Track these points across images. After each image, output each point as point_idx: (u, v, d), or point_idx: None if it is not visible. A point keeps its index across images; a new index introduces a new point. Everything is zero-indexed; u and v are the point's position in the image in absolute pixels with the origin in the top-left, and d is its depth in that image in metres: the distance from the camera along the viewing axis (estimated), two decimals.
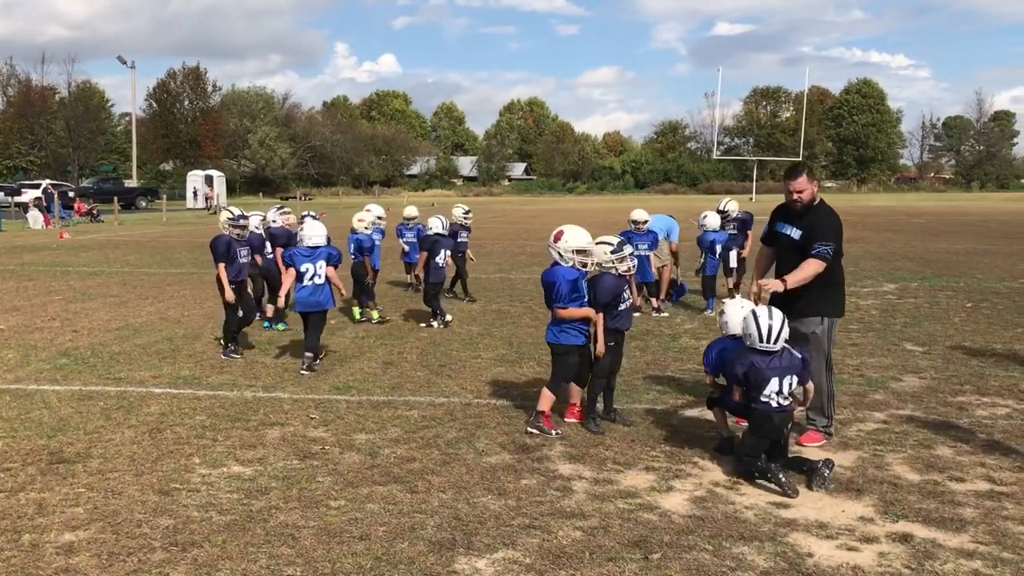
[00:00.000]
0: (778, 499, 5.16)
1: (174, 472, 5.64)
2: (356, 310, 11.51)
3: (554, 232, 6.52)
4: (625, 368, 8.24)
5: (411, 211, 14.06)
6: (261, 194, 61.37)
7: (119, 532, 4.68)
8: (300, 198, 64.12)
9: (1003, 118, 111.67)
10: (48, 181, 50.03)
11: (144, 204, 52.96)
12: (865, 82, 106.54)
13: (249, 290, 10.08)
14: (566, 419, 6.71)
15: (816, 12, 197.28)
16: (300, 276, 8.65)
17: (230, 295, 9.15)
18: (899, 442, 6.21)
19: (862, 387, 7.81)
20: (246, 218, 9.91)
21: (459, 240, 13.25)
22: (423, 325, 10.92)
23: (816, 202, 6.18)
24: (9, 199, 44.48)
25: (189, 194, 57.50)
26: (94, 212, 38.97)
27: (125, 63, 63.49)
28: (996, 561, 4.30)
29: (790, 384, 5.49)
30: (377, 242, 12.43)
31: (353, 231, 11.71)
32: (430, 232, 11.33)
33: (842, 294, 6.36)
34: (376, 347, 9.71)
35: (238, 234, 9.59)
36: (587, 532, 4.67)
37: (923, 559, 4.33)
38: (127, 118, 76.87)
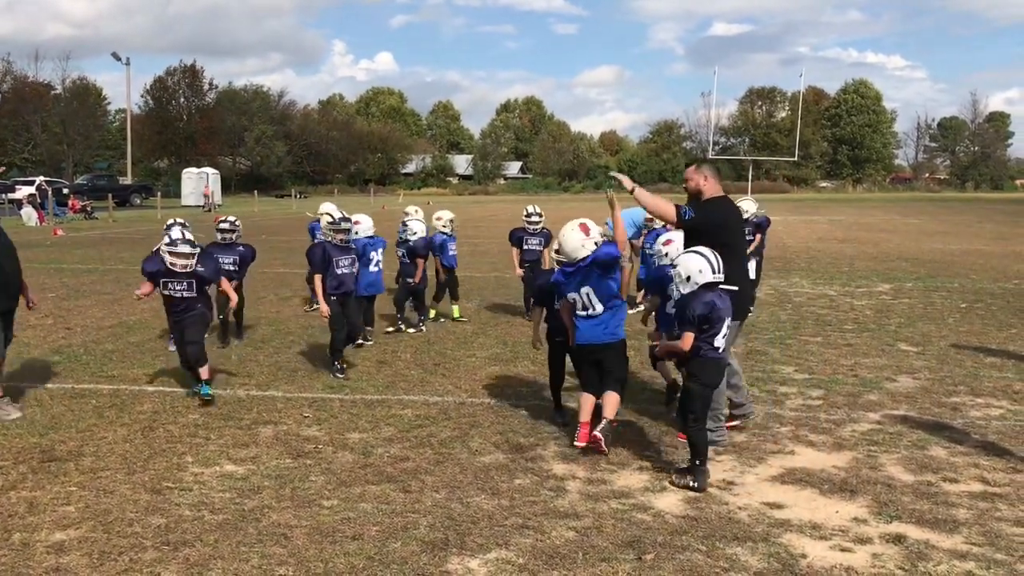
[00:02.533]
0: (772, 499, 5.15)
1: (166, 471, 5.62)
2: (432, 311, 11.39)
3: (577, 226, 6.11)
4: None
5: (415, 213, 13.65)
6: (256, 192, 61.25)
7: (110, 531, 4.66)
8: (296, 196, 64.02)
9: (998, 119, 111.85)
10: (42, 178, 49.89)
11: (139, 201, 52.82)
12: (861, 82, 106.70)
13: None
14: (576, 443, 6.03)
15: (813, 13, 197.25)
16: (367, 263, 9.48)
17: (324, 309, 8.22)
18: (893, 443, 6.21)
19: (856, 387, 7.81)
20: (349, 220, 8.62)
21: (528, 248, 11.96)
22: (411, 331, 10.84)
23: (710, 196, 6.25)
24: (3, 196, 44.35)
25: (185, 191, 57.22)
26: (88, 209, 38.87)
27: (120, 59, 63.35)
28: (989, 563, 4.30)
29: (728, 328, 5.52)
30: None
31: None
32: (417, 236, 10.93)
33: (737, 297, 5.88)
34: (370, 346, 9.69)
35: (341, 239, 8.38)
36: (580, 532, 4.66)
37: (916, 560, 4.33)
38: (123, 115, 76.77)
